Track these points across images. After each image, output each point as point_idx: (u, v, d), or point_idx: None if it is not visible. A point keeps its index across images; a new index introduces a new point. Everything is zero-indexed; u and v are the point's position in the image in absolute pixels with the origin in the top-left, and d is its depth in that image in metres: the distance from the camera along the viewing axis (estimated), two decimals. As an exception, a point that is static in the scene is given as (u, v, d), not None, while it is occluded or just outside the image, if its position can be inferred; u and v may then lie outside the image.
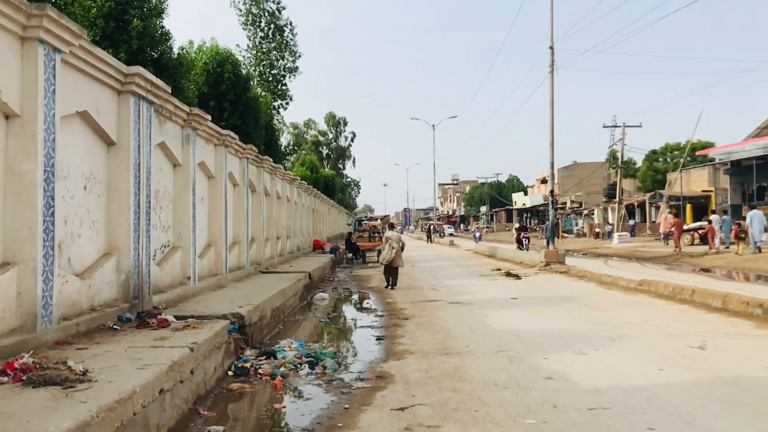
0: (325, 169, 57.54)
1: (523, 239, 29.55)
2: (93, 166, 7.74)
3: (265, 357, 7.86)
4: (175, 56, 14.53)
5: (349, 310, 13.84)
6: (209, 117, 11.64)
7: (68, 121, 6.93)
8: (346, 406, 5.75)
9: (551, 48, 21.89)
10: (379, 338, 9.35)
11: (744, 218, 23.98)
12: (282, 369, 7.29)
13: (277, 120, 32.70)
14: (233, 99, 19.49)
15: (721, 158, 37.93)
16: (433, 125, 62.79)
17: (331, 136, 76.06)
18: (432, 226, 62.99)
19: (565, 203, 67.47)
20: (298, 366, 7.42)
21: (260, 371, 7.22)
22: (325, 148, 75.33)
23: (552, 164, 22.23)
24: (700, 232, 28.84)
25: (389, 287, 15.98)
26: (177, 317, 7.93)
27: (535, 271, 20.15)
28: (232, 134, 13.53)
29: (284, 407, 5.94)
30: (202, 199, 12.29)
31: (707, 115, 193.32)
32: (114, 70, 7.74)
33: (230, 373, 7.21)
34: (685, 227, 29.75)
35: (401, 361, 7.53)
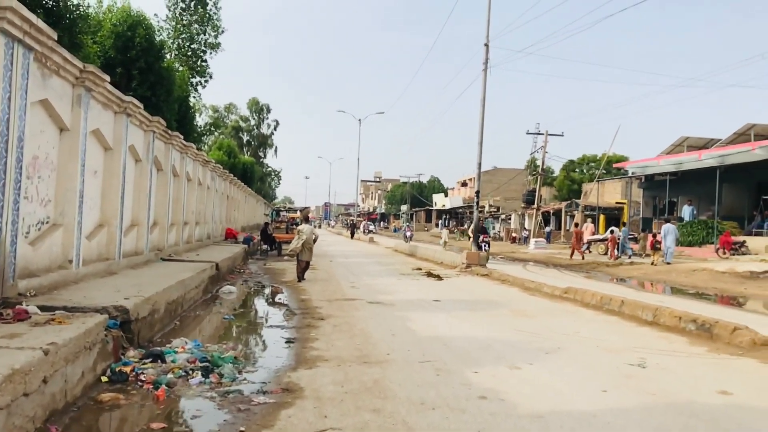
0: (244, 156, 55.13)
1: (482, 244, 25.32)
2: (-58, 117, 6.22)
3: (150, 359, 6.62)
4: (75, 5, 12.70)
5: (258, 306, 12.63)
6: (108, 78, 10.11)
7: None
8: (242, 428, 4.66)
9: (486, 45, 21.38)
10: (289, 341, 8.25)
11: (658, 231, 24.51)
12: (169, 376, 6.11)
13: (194, 98, 30.63)
14: (143, 67, 17.58)
15: (635, 172, 39.06)
16: (360, 119, 62.59)
17: (253, 122, 73.05)
18: (355, 222, 62.12)
19: (483, 207, 68.25)
20: (190, 372, 6.24)
21: (142, 377, 6.01)
22: (246, 134, 72.29)
23: (479, 164, 21.74)
24: (608, 242, 29.41)
25: (301, 281, 15.32)
26: (44, 308, 6.55)
27: (456, 272, 19.56)
28: (136, 102, 11.97)
29: (163, 427, 4.77)
30: (95, 172, 10.73)
31: (625, 128, 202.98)
32: (-23, -1, 6.25)
33: (105, 378, 5.94)
34: (588, 238, 30.29)
35: (313, 370, 6.50)
